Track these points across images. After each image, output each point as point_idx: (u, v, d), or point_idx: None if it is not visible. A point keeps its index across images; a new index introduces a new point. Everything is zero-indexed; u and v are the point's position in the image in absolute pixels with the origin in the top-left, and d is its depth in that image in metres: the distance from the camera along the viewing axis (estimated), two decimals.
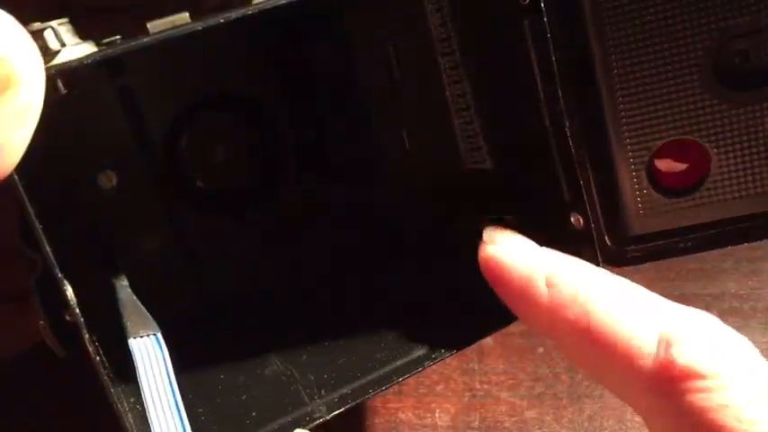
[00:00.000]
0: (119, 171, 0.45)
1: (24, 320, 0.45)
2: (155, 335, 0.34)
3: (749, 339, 0.54)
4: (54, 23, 0.38)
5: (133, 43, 0.30)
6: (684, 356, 0.29)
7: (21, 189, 0.29)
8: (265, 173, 0.49)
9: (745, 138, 0.34)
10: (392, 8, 0.41)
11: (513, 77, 0.37)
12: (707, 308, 0.55)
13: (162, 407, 0.32)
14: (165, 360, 0.33)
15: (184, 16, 0.45)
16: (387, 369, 0.37)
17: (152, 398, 0.32)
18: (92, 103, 0.43)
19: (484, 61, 0.39)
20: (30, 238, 0.34)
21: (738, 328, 0.54)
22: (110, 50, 0.30)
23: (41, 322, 0.35)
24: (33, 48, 0.28)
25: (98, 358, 0.31)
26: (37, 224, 0.29)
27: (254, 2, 0.48)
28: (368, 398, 0.35)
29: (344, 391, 0.36)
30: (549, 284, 0.34)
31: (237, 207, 0.48)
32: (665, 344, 0.29)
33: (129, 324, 0.35)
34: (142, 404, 0.37)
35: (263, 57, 0.47)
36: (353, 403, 0.35)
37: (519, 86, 0.36)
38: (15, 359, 0.50)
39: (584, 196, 0.36)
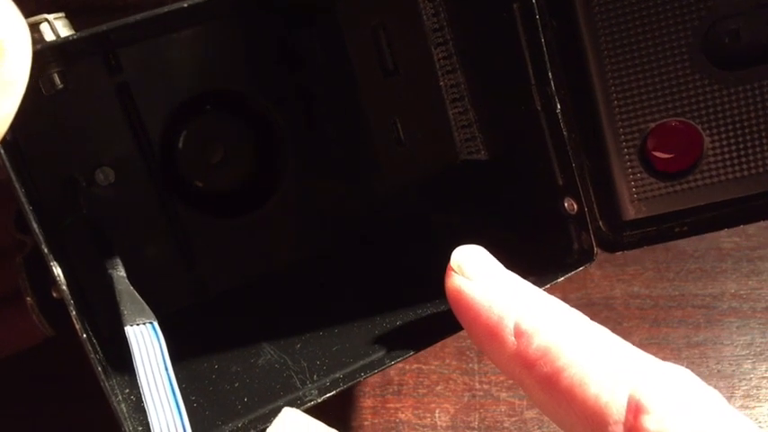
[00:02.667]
0: (116, 168, 0.45)
1: (24, 320, 0.45)
2: (151, 323, 0.34)
3: (749, 339, 0.54)
4: (50, 16, 0.39)
5: (119, 22, 0.30)
6: (653, 425, 0.28)
7: (6, 162, 0.29)
8: (261, 170, 0.49)
9: (737, 118, 0.34)
10: None
11: (506, 63, 0.37)
12: (707, 308, 0.56)
13: (158, 394, 0.32)
14: (161, 347, 0.33)
15: None
16: (379, 354, 0.36)
17: (148, 385, 0.32)
18: (90, 100, 0.44)
19: (477, 50, 0.39)
20: (22, 223, 0.34)
21: (738, 328, 0.55)
22: (95, 28, 0.30)
23: (28, 299, 0.35)
24: (20, 20, 0.28)
25: (85, 336, 0.31)
26: (22, 196, 0.29)
27: None
28: (359, 381, 0.35)
29: (336, 375, 0.36)
30: (517, 333, 0.32)
31: (233, 204, 0.49)
32: (635, 409, 0.28)
33: (126, 312, 0.34)
34: (136, 395, 0.37)
35: (260, 55, 0.47)
36: (345, 386, 0.35)
37: (511, 72, 0.36)
38: (15, 359, 0.50)
39: (577, 180, 0.36)
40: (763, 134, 0.35)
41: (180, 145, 0.47)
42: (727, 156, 0.35)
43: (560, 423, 0.31)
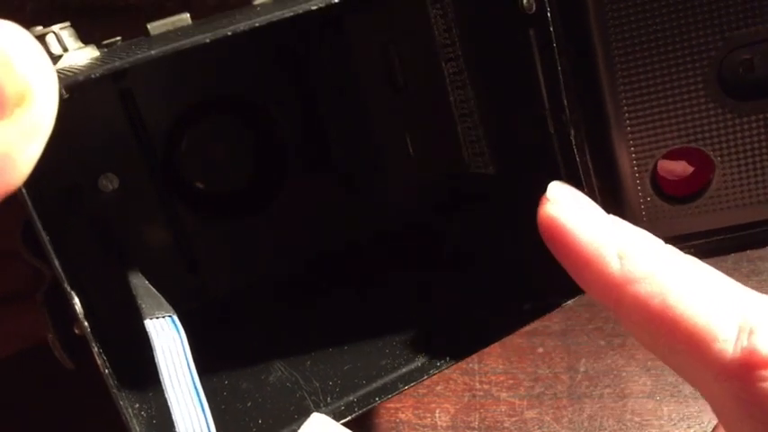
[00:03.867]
0: (120, 174, 0.45)
1: (24, 320, 0.45)
2: (170, 316, 0.34)
3: None
4: (56, 28, 0.38)
5: (139, 56, 0.30)
6: (764, 343, 0.28)
7: (29, 203, 0.29)
8: (265, 175, 0.49)
9: (748, 147, 0.34)
10: (396, 13, 0.41)
11: (518, 84, 0.36)
12: None
13: (180, 388, 0.32)
14: (181, 340, 0.33)
15: (185, 17, 0.45)
16: (392, 376, 0.37)
17: (170, 378, 0.32)
18: (93, 106, 0.43)
19: (488, 67, 0.39)
20: (32, 242, 0.34)
21: None
22: (117, 63, 0.30)
23: (50, 335, 0.35)
24: (48, 64, 0.27)
25: (107, 371, 0.31)
26: (46, 239, 0.29)
27: (255, 2, 0.48)
28: (373, 406, 0.35)
29: (350, 398, 0.36)
30: (621, 256, 0.32)
31: (238, 209, 0.48)
32: (748, 331, 0.29)
33: (144, 306, 0.34)
34: (147, 411, 0.37)
35: (264, 59, 0.47)
36: (360, 412, 0.35)
37: (523, 93, 0.36)
38: (15, 359, 0.50)
39: None
40: None
41: (182, 148, 0.47)
42: (737, 183, 0.35)
43: (660, 350, 0.32)
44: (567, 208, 0.34)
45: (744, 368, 0.28)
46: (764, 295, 0.31)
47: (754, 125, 0.34)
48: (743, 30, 0.33)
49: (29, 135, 0.27)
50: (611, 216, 0.34)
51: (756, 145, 0.34)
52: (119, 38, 0.44)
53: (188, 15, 0.45)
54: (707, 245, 0.36)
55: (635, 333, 0.33)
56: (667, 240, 0.36)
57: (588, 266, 0.33)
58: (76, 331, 0.31)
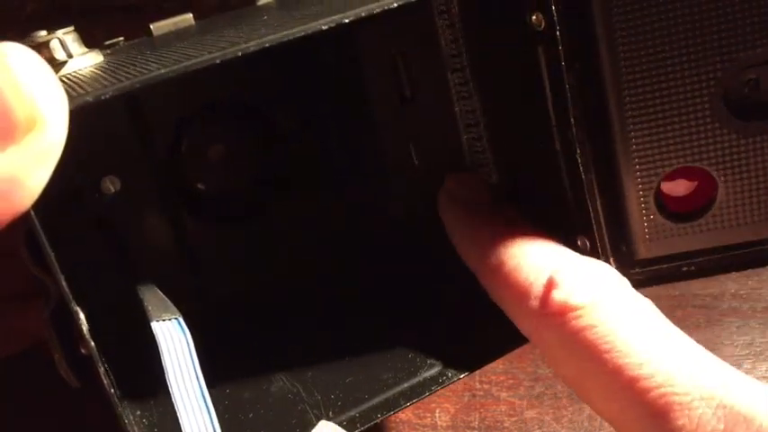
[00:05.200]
0: (122, 176, 0.45)
1: (24, 320, 0.45)
2: (176, 319, 0.34)
3: (749, 339, 0.55)
4: (60, 33, 0.38)
5: (149, 75, 0.29)
6: (561, 294, 0.33)
7: (37, 225, 0.29)
8: (267, 178, 0.49)
9: (752, 167, 0.34)
10: (403, 23, 0.41)
11: (524, 98, 0.36)
12: (707, 308, 0.56)
13: (186, 390, 0.32)
14: (188, 343, 0.33)
15: (188, 17, 0.44)
16: (394, 391, 0.37)
17: (176, 380, 0.32)
18: (95, 108, 0.43)
19: (494, 79, 0.38)
20: (35, 250, 0.34)
21: (738, 328, 0.55)
22: (126, 84, 0.29)
23: (56, 355, 0.35)
24: (59, 88, 0.27)
25: (113, 390, 0.31)
26: (51, 255, 0.29)
27: (258, 2, 0.48)
28: (376, 422, 0.36)
29: (352, 413, 0.36)
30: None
31: (240, 212, 0.48)
32: (549, 285, 0.34)
33: (151, 308, 0.34)
34: (149, 418, 0.37)
35: (268, 62, 0.47)
36: (362, 427, 0.35)
37: (529, 107, 0.36)
38: (15, 359, 0.50)
39: (593, 221, 0.36)
40: None
41: (184, 151, 0.47)
42: (739, 202, 0.35)
43: (500, 305, 0.37)
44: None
45: (547, 317, 0.34)
46: (582, 257, 0.36)
47: (758, 145, 0.34)
48: (749, 51, 0.33)
49: (38, 160, 0.27)
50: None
51: (760, 165, 0.34)
52: (121, 38, 0.44)
53: (191, 16, 0.44)
54: (708, 263, 0.37)
55: (487, 291, 0.38)
56: (669, 258, 0.37)
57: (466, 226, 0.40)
58: (83, 351, 0.31)
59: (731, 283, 0.57)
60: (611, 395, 0.32)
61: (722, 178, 0.35)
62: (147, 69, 0.31)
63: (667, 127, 0.34)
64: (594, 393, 0.34)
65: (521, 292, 0.35)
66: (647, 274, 0.37)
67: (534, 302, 0.34)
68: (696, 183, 0.36)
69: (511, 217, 0.39)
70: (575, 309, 0.33)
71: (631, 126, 0.34)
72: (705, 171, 0.35)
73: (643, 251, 0.37)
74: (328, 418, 0.36)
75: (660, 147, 0.35)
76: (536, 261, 0.36)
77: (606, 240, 0.36)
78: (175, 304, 0.43)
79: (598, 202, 0.36)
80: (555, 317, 0.33)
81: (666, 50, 0.33)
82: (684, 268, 0.37)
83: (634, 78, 0.34)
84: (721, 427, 0.29)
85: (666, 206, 0.36)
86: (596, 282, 0.34)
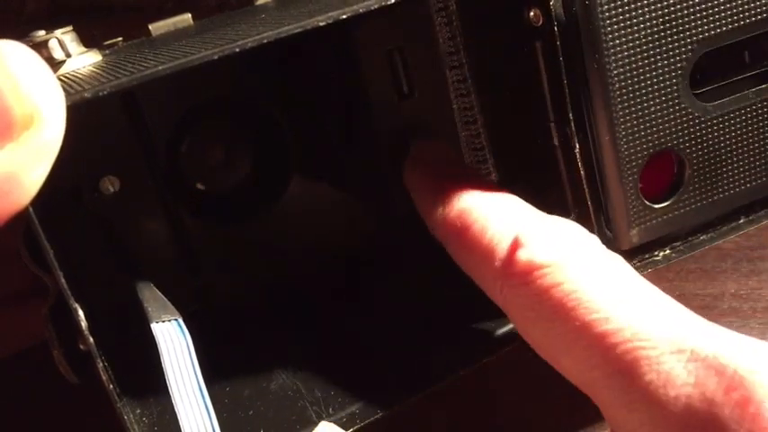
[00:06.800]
0: (121, 176, 0.45)
1: (24, 320, 0.45)
2: (176, 320, 0.34)
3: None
4: (58, 33, 0.38)
5: (146, 72, 0.30)
6: (526, 253, 0.33)
7: (36, 222, 0.29)
8: (267, 178, 0.49)
9: (714, 145, 0.36)
10: (400, 20, 0.41)
11: (522, 94, 0.37)
12: (707, 308, 0.56)
13: (186, 391, 0.32)
14: (187, 344, 0.33)
15: (186, 18, 0.45)
16: (394, 387, 0.37)
17: (176, 381, 0.32)
18: (95, 109, 0.43)
19: (492, 75, 0.39)
20: (34, 248, 0.34)
21: (738, 328, 0.54)
22: (124, 80, 0.29)
23: (55, 352, 0.35)
24: (56, 85, 0.28)
25: (111, 386, 0.31)
26: (50, 253, 0.29)
27: (257, 2, 0.48)
28: (376, 418, 0.35)
29: (352, 410, 0.36)
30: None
31: (239, 212, 0.48)
32: (514, 245, 0.33)
33: (150, 309, 0.34)
34: (149, 416, 0.37)
35: (266, 61, 0.47)
36: (362, 424, 0.35)
37: (527, 103, 0.36)
38: (15, 358, 0.50)
39: (592, 215, 0.36)
40: (736, 159, 0.37)
41: (184, 150, 0.47)
42: (707, 180, 0.36)
43: (468, 271, 0.37)
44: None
45: (510, 277, 0.33)
46: (549, 216, 0.35)
47: (721, 125, 0.36)
48: (712, 32, 0.34)
49: (36, 157, 0.27)
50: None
51: (723, 143, 0.36)
52: (120, 38, 0.44)
53: (189, 16, 0.45)
54: (688, 243, 0.39)
55: (461, 265, 0.38)
56: (654, 244, 0.37)
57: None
58: (81, 347, 0.31)
59: (731, 283, 0.57)
60: (579, 354, 0.31)
61: (689, 158, 0.36)
62: (144, 67, 0.31)
63: (646, 114, 0.35)
64: (564, 355, 0.33)
65: (486, 255, 0.34)
66: (634, 265, 0.37)
67: (499, 264, 0.34)
68: (669, 165, 0.37)
69: (475, 181, 0.38)
70: (540, 267, 0.32)
71: (615, 113, 0.35)
72: (676, 153, 0.36)
73: (631, 239, 0.37)
74: (328, 415, 0.36)
75: (640, 134, 0.35)
76: (502, 223, 0.35)
77: (604, 230, 0.37)
78: (175, 304, 0.43)
79: (594, 195, 0.36)
80: (520, 276, 0.33)
81: (642, 36, 0.34)
82: (670, 252, 0.38)
83: (617, 66, 0.34)
84: (692, 380, 0.28)
85: (645, 193, 0.36)
86: (563, 240, 0.33)
